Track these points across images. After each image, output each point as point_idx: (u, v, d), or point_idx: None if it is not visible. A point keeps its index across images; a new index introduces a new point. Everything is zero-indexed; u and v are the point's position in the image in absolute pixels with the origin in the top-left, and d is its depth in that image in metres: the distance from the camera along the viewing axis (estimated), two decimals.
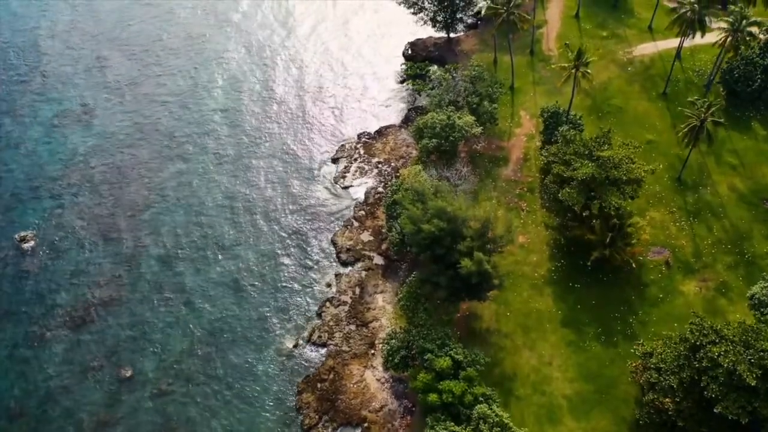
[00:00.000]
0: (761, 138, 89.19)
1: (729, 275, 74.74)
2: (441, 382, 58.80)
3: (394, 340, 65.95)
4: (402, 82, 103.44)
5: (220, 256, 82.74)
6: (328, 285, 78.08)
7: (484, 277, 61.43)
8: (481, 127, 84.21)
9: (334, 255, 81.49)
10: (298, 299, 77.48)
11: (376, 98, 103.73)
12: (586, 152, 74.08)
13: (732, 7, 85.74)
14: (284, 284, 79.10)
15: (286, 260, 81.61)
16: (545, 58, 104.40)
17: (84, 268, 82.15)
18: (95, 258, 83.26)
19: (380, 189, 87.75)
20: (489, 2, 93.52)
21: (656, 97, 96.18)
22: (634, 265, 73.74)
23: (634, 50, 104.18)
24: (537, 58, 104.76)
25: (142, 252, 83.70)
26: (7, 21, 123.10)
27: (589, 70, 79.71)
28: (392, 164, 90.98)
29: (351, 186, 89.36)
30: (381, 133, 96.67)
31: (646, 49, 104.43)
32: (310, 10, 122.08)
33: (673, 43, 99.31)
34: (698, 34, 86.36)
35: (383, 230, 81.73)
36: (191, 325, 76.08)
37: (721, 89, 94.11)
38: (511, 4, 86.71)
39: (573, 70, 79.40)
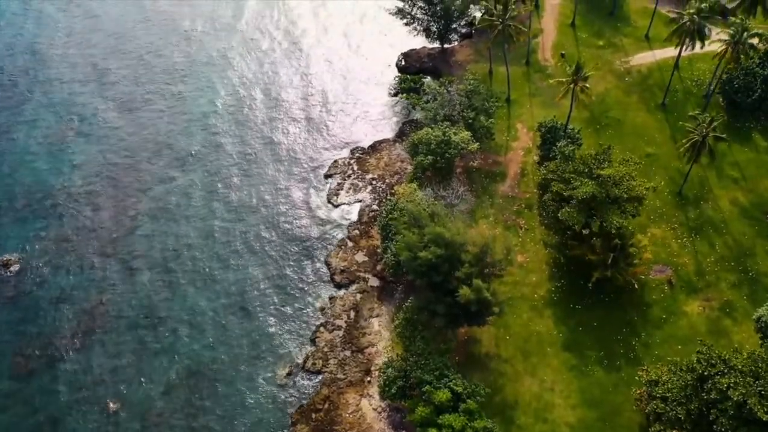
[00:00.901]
0: (762, 150, 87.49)
1: (733, 294, 72.98)
2: (441, 416, 56.66)
3: (390, 369, 63.78)
4: (395, 94, 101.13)
5: (209, 281, 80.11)
6: (322, 309, 75.71)
7: (484, 305, 59.32)
8: (478, 143, 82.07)
9: (328, 277, 79.07)
10: (291, 324, 75.07)
11: (369, 111, 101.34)
12: (586, 170, 72.16)
13: (732, 18, 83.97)
14: (277, 309, 76.65)
15: (279, 283, 79.10)
16: (541, 69, 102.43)
17: (70, 294, 79.36)
18: (82, 283, 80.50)
19: (375, 207, 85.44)
20: (483, 12, 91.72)
21: (655, 108, 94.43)
22: (636, 286, 71.83)
23: (631, 60, 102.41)
24: (533, 68, 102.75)
25: (130, 276, 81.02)
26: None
27: (587, 85, 77.74)
28: (387, 180, 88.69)
29: (345, 204, 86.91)
30: (375, 147, 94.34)
31: (644, 58, 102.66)
32: (301, 24, 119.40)
33: (670, 52, 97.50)
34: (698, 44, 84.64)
35: (378, 250, 79.51)
36: (180, 354, 73.55)
37: (721, 100, 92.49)
38: (507, 16, 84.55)
39: (571, 85, 77.31)
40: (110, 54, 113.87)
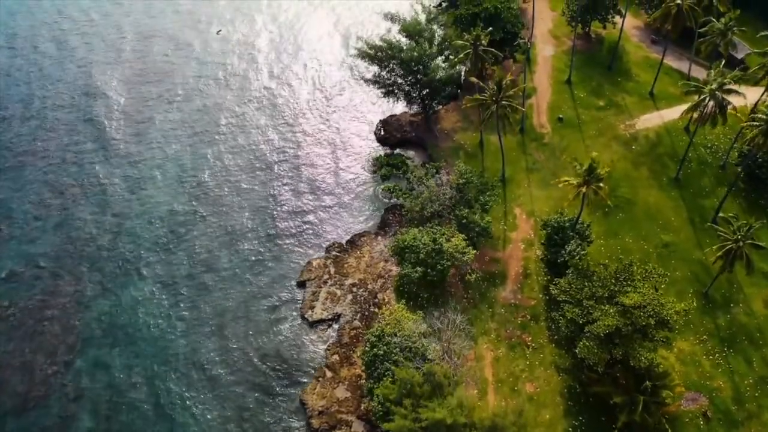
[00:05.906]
0: None
1: None
2: None
3: None
4: (374, 172, 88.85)
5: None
6: None
7: None
8: (475, 251, 70.26)
9: (304, 421, 66.48)
10: None
11: (346, 196, 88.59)
12: (606, 294, 60.93)
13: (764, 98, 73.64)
14: None
15: None
16: (537, 137, 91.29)
17: None
18: None
19: (357, 322, 73.23)
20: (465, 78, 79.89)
21: (668, 184, 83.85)
22: (667, 427, 60.62)
23: (636, 122, 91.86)
24: (528, 136, 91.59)
25: (71, 423, 67.71)
26: None
27: (602, 185, 66.30)
28: (369, 287, 76.45)
29: (321, 319, 74.28)
30: (354, 243, 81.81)
31: (650, 120, 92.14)
32: (267, 95, 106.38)
33: (679, 111, 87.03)
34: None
35: (362, 381, 67.42)
36: None
37: (740, 171, 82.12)
38: (502, 95, 72.77)
39: (582, 188, 65.89)
40: (39, 136, 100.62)
